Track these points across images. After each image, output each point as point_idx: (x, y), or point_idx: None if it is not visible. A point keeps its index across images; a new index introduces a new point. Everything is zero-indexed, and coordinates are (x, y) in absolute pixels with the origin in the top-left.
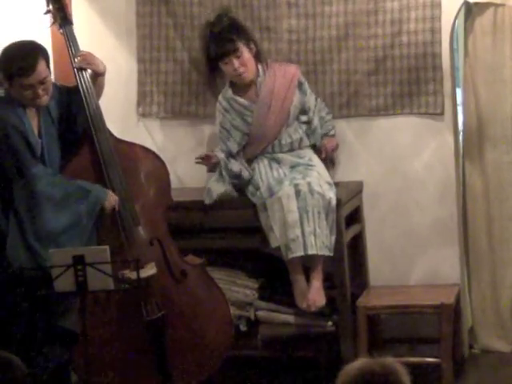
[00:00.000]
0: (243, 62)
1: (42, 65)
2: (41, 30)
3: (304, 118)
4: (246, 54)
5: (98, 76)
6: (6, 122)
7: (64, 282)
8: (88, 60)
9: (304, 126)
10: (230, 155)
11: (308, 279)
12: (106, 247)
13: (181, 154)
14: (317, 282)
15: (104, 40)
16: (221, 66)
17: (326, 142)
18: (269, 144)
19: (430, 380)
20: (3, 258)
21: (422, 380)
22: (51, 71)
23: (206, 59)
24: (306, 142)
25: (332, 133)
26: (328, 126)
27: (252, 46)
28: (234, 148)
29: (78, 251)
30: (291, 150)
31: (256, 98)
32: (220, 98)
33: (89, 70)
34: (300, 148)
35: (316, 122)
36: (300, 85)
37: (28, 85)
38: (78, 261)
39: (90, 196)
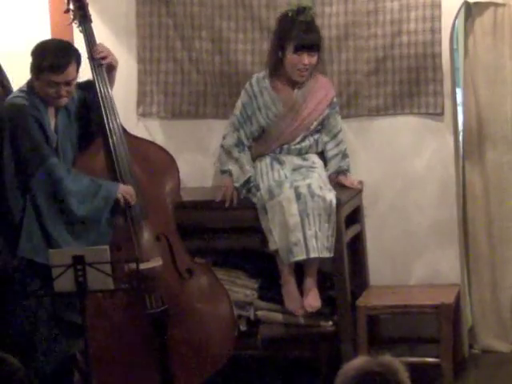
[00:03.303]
0: (312, 62)
1: (73, 67)
2: (41, 30)
3: (318, 127)
4: (316, 57)
5: (111, 70)
6: (25, 111)
7: (64, 282)
8: (105, 54)
9: (316, 135)
10: (241, 144)
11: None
12: (106, 247)
13: (181, 154)
14: (312, 285)
15: (104, 40)
16: (287, 54)
17: (345, 181)
18: (279, 146)
19: (430, 380)
20: (12, 247)
21: (422, 380)
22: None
23: (276, 41)
24: (314, 149)
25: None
26: (347, 161)
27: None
28: (247, 135)
29: (77, 251)
30: (298, 154)
31: (289, 100)
32: (254, 80)
33: (104, 65)
34: (306, 153)
35: (344, 147)
36: (332, 104)
37: (55, 82)
38: (78, 261)
39: (100, 190)
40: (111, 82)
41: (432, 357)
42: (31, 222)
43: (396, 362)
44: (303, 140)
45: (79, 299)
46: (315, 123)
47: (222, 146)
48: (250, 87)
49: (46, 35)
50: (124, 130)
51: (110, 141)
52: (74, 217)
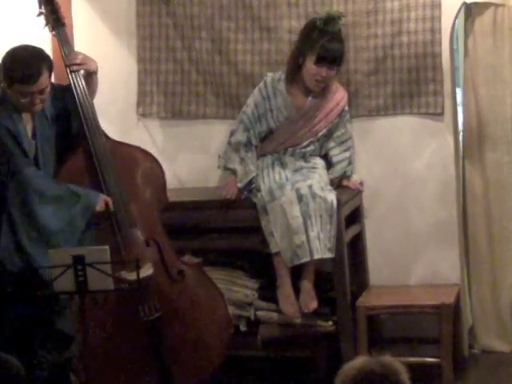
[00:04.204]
0: (331, 75)
1: (44, 76)
2: (40, 31)
3: (326, 133)
4: (336, 71)
5: (90, 75)
6: None
7: (64, 282)
8: (79, 61)
9: (322, 140)
10: (249, 143)
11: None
12: (106, 247)
13: (181, 154)
14: (310, 285)
15: (104, 40)
16: (307, 63)
17: (348, 183)
18: (284, 149)
19: (430, 380)
20: None
21: (422, 380)
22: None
23: (298, 47)
24: (318, 152)
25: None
26: (352, 167)
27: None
28: (256, 135)
29: (78, 251)
30: (301, 158)
31: (302, 107)
32: (268, 80)
33: (81, 71)
34: (310, 156)
35: (351, 153)
36: (343, 112)
37: (27, 92)
38: (78, 261)
39: (80, 200)
40: (91, 87)
41: (432, 357)
42: (6, 234)
43: (396, 363)
44: (309, 145)
45: (79, 300)
46: (324, 130)
47: (229, 143)
48: (265, 87)
49: (46, 35)
50: (105, 136)
51: (92, 149)
52: (45, 231)
